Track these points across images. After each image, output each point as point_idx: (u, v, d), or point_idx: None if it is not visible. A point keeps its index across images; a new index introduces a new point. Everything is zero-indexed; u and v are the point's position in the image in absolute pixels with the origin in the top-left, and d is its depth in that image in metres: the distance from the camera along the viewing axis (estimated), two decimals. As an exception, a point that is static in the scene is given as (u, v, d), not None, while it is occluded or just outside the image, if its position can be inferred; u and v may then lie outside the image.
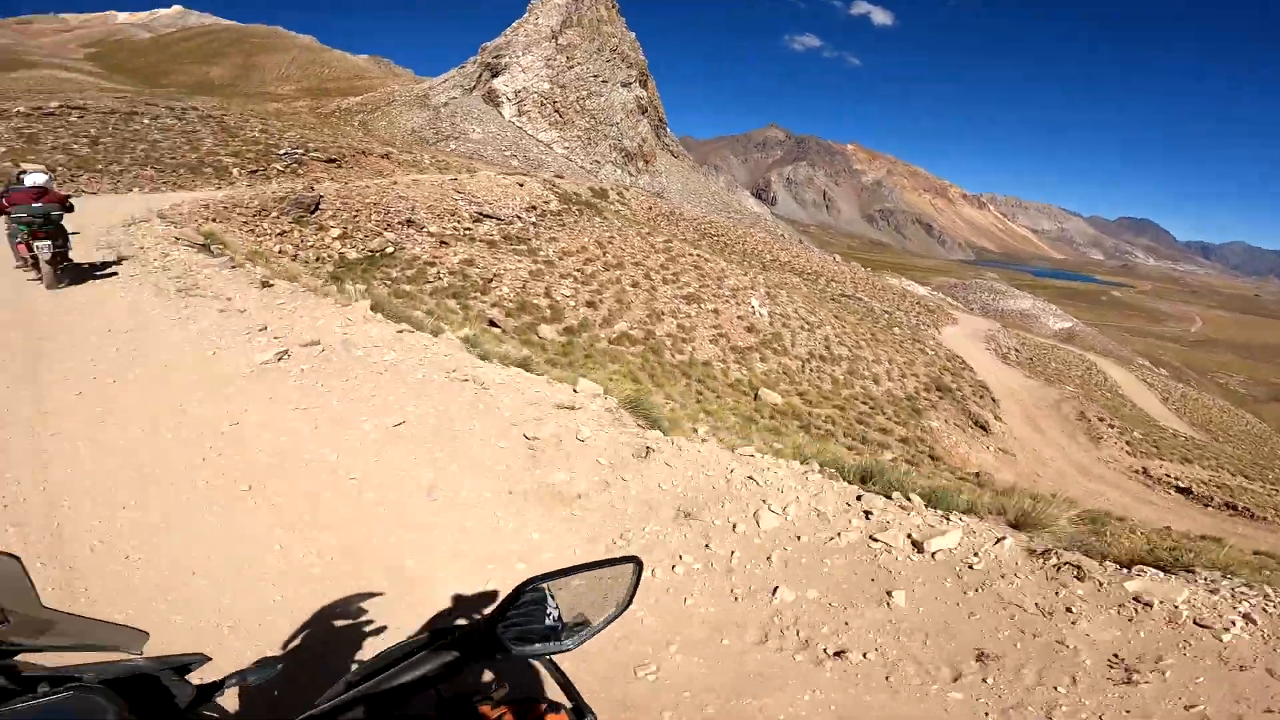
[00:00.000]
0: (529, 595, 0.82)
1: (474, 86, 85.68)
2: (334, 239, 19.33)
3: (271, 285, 7.67)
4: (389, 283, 18.38)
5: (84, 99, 29.56)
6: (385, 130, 73.70)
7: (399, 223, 21.94)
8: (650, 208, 47.53)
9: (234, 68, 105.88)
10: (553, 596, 0.84)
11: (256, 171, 26.18)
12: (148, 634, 0.95)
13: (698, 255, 30.87)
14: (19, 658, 0.79)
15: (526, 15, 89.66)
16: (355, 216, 20.81)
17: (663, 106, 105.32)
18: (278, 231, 17.81)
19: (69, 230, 8.29)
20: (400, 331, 6.25)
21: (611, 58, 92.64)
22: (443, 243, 21.80)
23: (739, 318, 26.38)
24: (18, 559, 0.76)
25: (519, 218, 27.42)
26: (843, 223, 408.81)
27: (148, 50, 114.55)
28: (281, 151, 29.32)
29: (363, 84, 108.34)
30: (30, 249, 7.66)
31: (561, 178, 47.10)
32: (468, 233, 24.02)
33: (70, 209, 8.30)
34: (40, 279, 7.81)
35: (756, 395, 21.36)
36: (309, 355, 5.85)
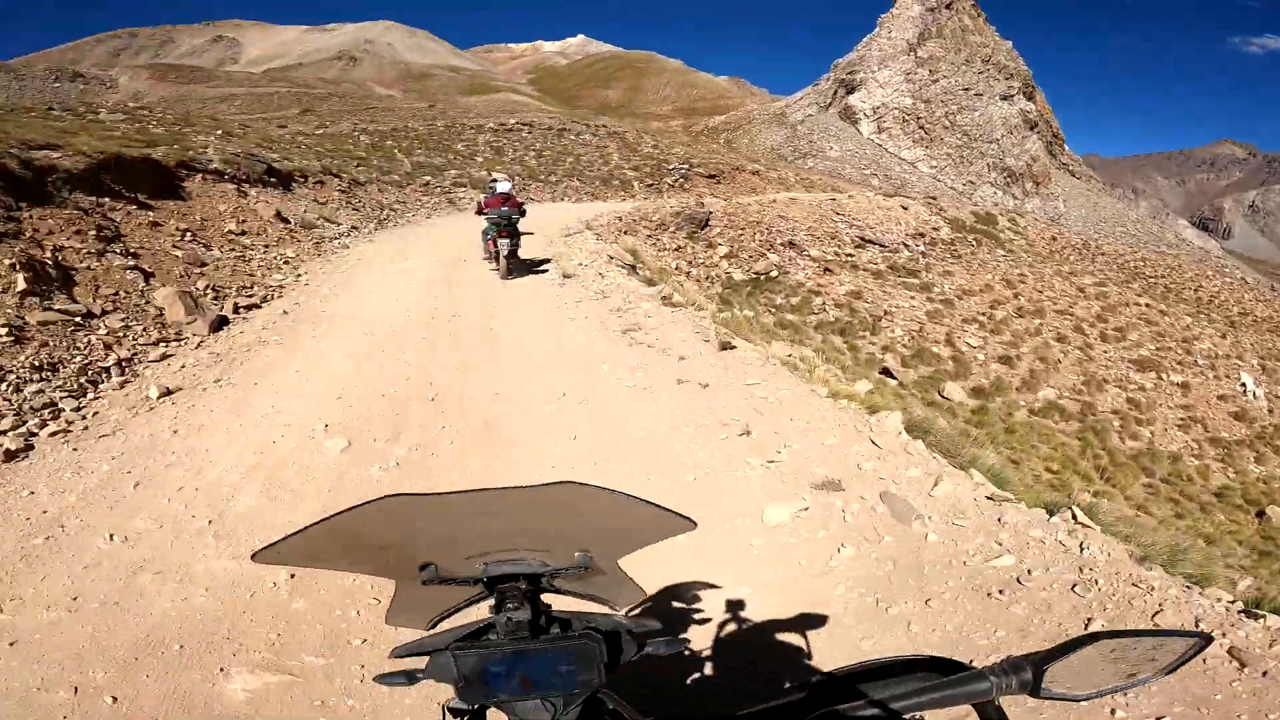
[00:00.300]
0: (1085, 647, 0.74)
1: (829, 104, 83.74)
2: (721, 257, 18.20)
3: (732, 347, 5.65)
4: (773, 310, 16.45)
5: (531, 117, 34.83)
6: (746, 147, 75.48)
7: (781, 244, 20.02)
8: (1053, 238, 38.31)
9: (624, 90, 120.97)
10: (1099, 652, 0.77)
11: (652, 185, 27.22)
12: (645, 593, 0.95)
13: (1146, 305, 22.68)
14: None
15: (877, 30, 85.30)
16: (740, 235, 19.49)
17: (1056, 121, 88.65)
18: (674, 246, 17.26)
19: (523, 232, 9.32)
20: (996, 500, 3.41)
21: (984, 69, 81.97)
22: (827, 269, 19.16)
23: (1219, 398, 18.25)
24: (693, 525, 0.75)
25: (905, 245, 23.36)
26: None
27: (565, 75, 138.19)
28: (670, 167, 30.30)
29: (725, 104, 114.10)
30: (495, 245, 8.86)
31: (936, 199, 41.13)
32: (850, 259, 21.00)
33: (524, 214, 9.33)
34: (498, 270, 9.00)
35: (1262, 514, 14.00)
36: (840, 520, 3.39)
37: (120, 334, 6.03)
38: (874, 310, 17.30)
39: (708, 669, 2.27)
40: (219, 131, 20.06)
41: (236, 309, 7.17)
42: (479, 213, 9.20)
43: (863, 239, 22.59)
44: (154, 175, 10.05)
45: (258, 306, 7.66)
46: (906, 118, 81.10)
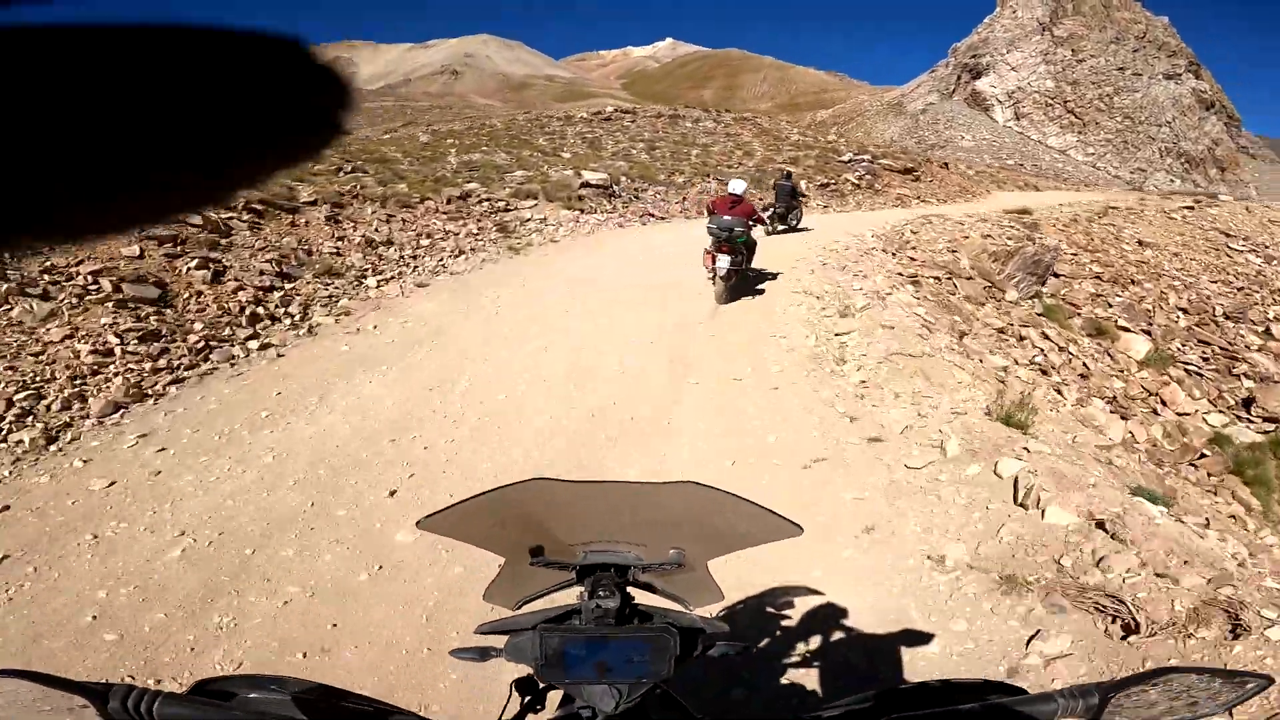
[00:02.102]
0: (1155, 679, 0.66)
1: (952, 90, 70.39)
2: (1140, 362, 6.57)
3: None
4: None
5: (632, 105, 23.83)
6: (863, 139, 61.64)
7: (1223, 315, 8.06)
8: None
9: (719, 89, 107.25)
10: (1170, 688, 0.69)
11: (828, 185, 15.53)
12: (723, 595, 0.94)
13: None
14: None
15: (998, 10, 69.95)
16: (1140, 300, 7.71)
17: (1229, 101, 70.12)
18: (1059, 349, 5.85)
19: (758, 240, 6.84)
20: None
21: (1140, 46, 65.36)
22: None
23: None
24: (800, 531, 0.73)
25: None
26: None
27: (659, 78, 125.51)
28: (845, 159, 18.38)
29: (828, 97, 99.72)
30: (713, 262, 6.23)
31: (1144, 191, 26.91)
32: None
33: (759, 222, 6.83)
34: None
35: None
36: None
37: None
38: None
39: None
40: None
41: None
42: (709, 212, 6.72)
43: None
44: None
45: None
46: (1050, 101, 65.13)
